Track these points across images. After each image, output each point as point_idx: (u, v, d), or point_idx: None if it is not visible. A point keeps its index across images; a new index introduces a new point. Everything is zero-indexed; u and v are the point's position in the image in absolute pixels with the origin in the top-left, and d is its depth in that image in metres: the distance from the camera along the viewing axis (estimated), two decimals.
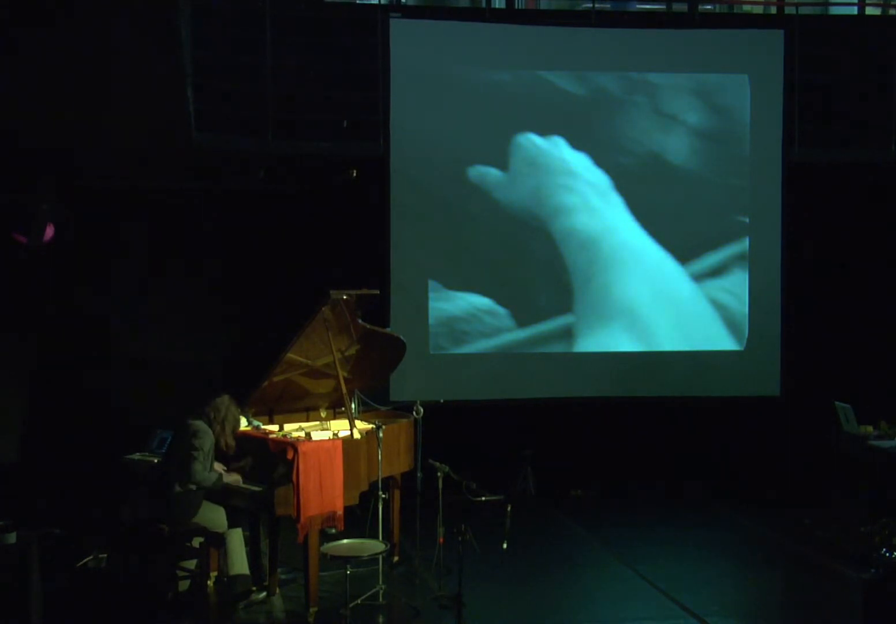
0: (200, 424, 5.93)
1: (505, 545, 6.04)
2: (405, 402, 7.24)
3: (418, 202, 8.59)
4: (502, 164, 8.67)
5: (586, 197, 8.75)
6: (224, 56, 7.98)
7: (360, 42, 8.41)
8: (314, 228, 8.59)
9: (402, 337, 6.72)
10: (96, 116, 6.92)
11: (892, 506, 7.22)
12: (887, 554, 5.94)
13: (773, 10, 9.95)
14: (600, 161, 8.76)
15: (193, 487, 5.86)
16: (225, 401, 6.01)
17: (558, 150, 8.73)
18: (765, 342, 8.92)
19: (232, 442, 6.02)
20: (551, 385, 8.79)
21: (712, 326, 8.90)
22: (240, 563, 6.17)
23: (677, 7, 9.70)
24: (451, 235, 8.65)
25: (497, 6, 9.43)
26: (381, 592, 5.94)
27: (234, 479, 6.01)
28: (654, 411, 8.99)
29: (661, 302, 8.82)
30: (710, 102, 8.84)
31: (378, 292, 6.51)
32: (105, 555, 6.47)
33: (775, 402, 8.98)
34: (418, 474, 6.60)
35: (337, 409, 6.84)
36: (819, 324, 9.09)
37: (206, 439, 5.89)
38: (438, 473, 6.23)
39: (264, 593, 6.20)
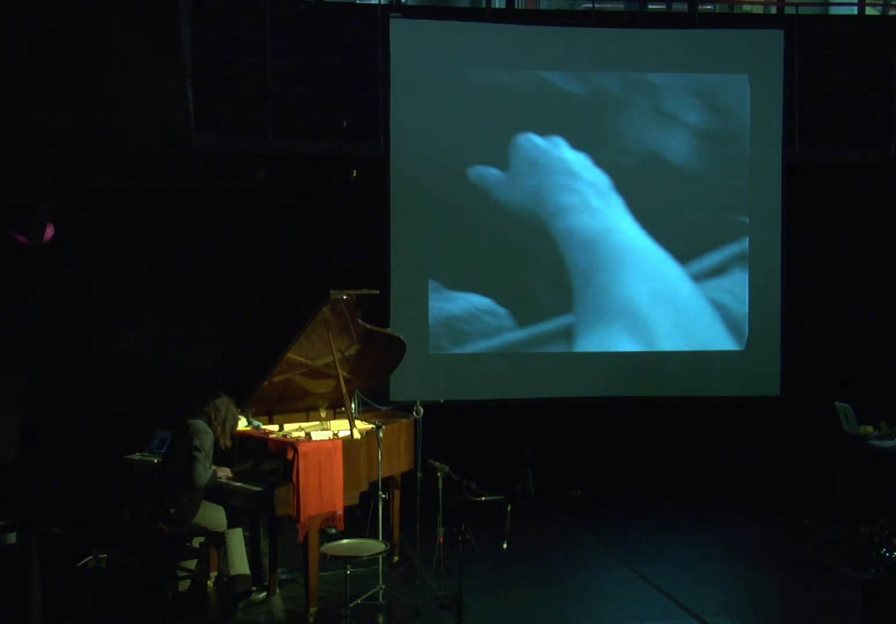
0: (200, 424, 5.94)
1: (505, 545, 6.04)
2: (405, 402, 7.25)
3: (418, 202, 8.58)
4: (502, 164, 8.67)
5: (586, 197, 8.75)
6: (224, 56, 7.98)
7: (360, 42, 8.42)
8: (314, 228, 8.60)
9: (402, 337, 6.72)
10: (96, 116, 6.91)
11: (892, 506, 7.23)
12: (887, 554, 5.94)
13: (773, 10, 9.96)
14: (600, 161, 8.76)
15: (195, 487, 5.86)
16: (224, 401, 6.02)
17: (558, 150, 8.73)
18: (765, 342, 8.92)
19: (229, 442, 6.04)
20: (551, 385, 8.79)
21: (712, 326, 8.90)
22: (240, 563, 6.17)
23: (677, 7, 9.71)
24: (451, 235, 8.65)
25: (497, 6, 9.44)
26: (381, 592, 5.94)
27: (224, 474, 6.02)
28: (654, 411, 8.99)
29: (661, 302, 8.82)
30: (710, 102, 8.84)
31: (378, 292, 6.51)
32: (105, 555, 6.47)
33: (775, 402, 8.98)
34: (418, 474, 6.60)
35: (337, 409, 6.84)
36: (819, 324, 9.10)
37: (207, 439, 5.90)
38: (438, 473, 6.23)
39: (264, 593, 6.20)
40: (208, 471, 5.90)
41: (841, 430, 7.89)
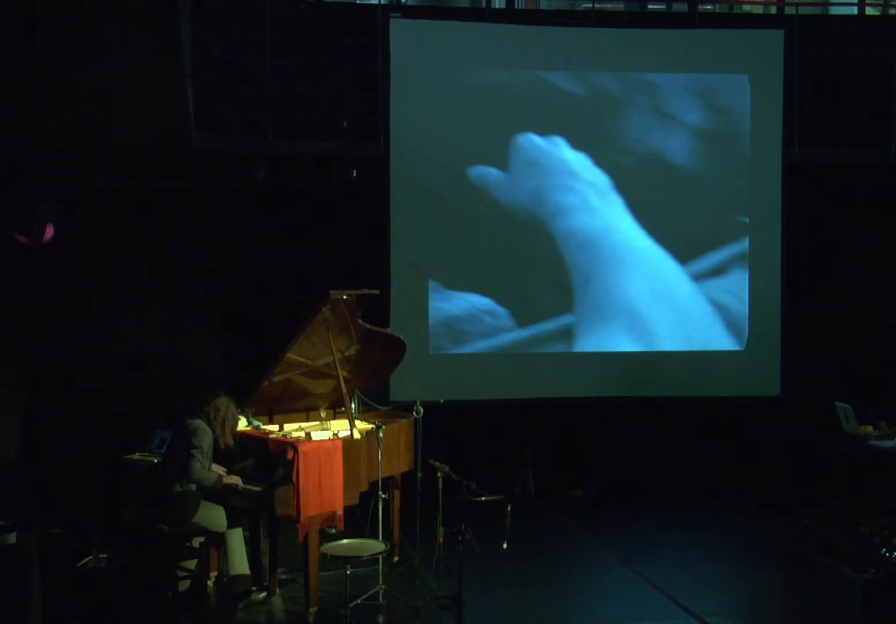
0: (199, 423, 5.95)
1: (505, 545, 6.04)
2: (405, 402, 7.24)
3: (418, 202, 8.58)
4: (502, 164, 8.67)
5: (586, 197, 8.75)
6: (224, 56, 7.99)
7: (360, 42, 8.42)
8: (314, 228, 8.60)
9: (402, 337, 6.72)
10: (96, 116, 6.92)
11: (892, 506, 7.23)
12: (887, 554, 5.94)
13: (773, 10, 9.96)
14: (600, 161, 8.76)
15: (193, 486, 5.87)
16: (224, 401, 6.03)
17: (558, 150, 8.73)
18: (765, 342, 8.92)
19: (230, 441, 6.05)
20: (551, 385, 8.79)
21: (712, 326, 8.90)
22: (240, 563, 6.17)
23: (677, 7, 9.71)
24: (451, 235, 8.64)
25: (497, 6, 9.43)
26: (381, 592, 5.93)
27: (234, 481, 6.01)
28: (654, 411, 8.99)
29: (661, 302, 8.82)
30: (710, 102, 8.84)
31: (378, 292, 6.51)
32: (105, 555, 6.47)
33: (775, 402, 8.98)
34: (418, 474, 6.60)
35: (337, 409, 6.84)
36: (819, 324, 9.09)
37: (205, 438, 5.91)
38: (438, 473, 6.23)
39: (264, 593, 6.20)
40: (205, 469, 5.90)
41: (841, 430, 7.89)
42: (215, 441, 5.98)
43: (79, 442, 7.89)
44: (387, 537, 6.29)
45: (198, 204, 8.48)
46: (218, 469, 6.05)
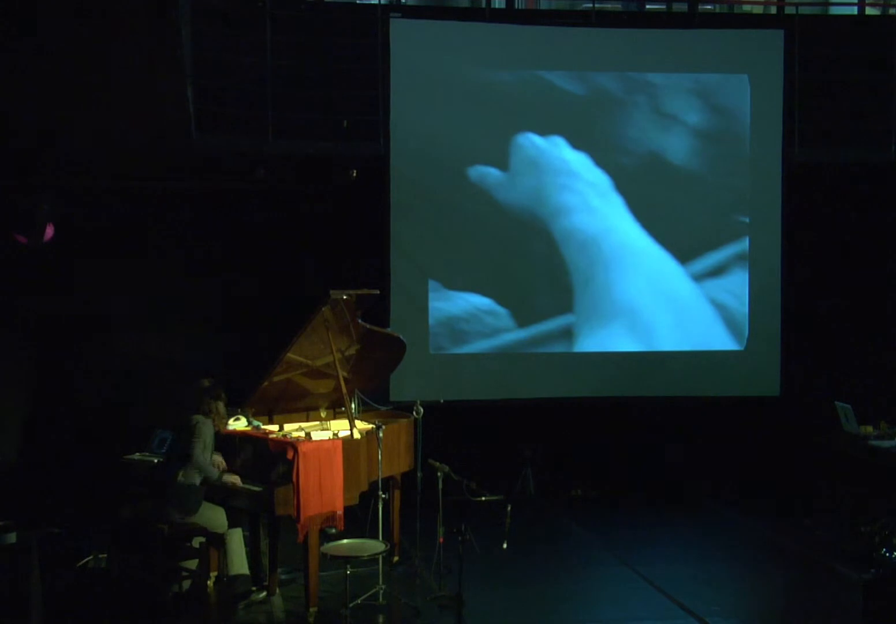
0: (199, 417, 6.01)
1: (505, 545, 6.03)
2: (405, 402, 7.25)
3: (418, 202, 8.59)
4: (502, 164, 8.67)
5: (586, 197, 8.75)
6: (224, 56, 7.99)
7: (360, 42, 8.41)
8: (314, 228, 8.60)
9: (402, 337, 6.72)
10: (96, 116, 6.92)
11: (893, 506, 7.23)
12: (887, 554, 5.94)
13: (773, 10, 9.96)
14: (600, 161, 8.76)
15: (196, 478, 5.88)
16: (211, 391, 6.07)
17: (558, 150, 8.73)
18: (765, 342, 8.92)
19: (225, 418, 6.14)
20: (551, 385, 8.79)
21: (712, 326, 8.90)
22: (240, 563, 6.18)
23: (677, 7, 9.70)
24: (451, 235, 8.65)
25: (497, 6, 9.43)
26: (381, 592, 5.94)
27: (233, 480, 6.02)
28: (653, 411, 8.99)
29: (661, 302, 8.82)
30: (710, 102, 8.84)
31: (378, 292, 6.51)
32: (105, 555, 6.47)
33: (775, 402, 8.98)
34: (418, 474, 6.60)
35: (337, 409, 6.84)
36: (819, 324, 9.09)
37: (206, 428, 5.97)
38: (438, 473, 6.22)
39: (264, 593, 6.20)
40: (206, 457, 5.93)
41: (841, 430, 7.89)
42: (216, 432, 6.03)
43: (79, 442, 7.90)
44: (387, 537, 6.28)
45: (198, 204, 8.49)
46: (219, 458, 6.06)
